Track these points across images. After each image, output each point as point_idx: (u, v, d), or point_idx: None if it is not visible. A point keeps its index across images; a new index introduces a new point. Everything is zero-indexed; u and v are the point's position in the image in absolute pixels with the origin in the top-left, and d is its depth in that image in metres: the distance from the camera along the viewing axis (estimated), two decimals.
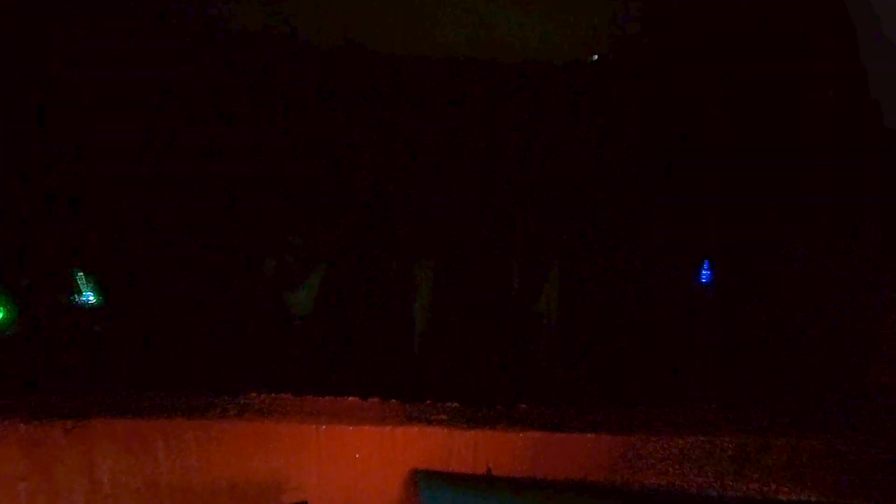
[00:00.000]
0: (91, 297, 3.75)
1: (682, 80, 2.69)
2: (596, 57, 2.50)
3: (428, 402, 2.52)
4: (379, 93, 2.81)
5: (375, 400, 2.51)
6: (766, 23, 2.70)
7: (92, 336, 3.60)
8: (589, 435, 2.33)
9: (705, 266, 3.61)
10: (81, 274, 3.72)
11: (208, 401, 2.43)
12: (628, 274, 2.92)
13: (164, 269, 3.24)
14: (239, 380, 2.79)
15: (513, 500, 2.27)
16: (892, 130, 2.85)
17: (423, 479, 2.28)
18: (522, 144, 2.76)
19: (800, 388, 2.72)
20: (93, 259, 3.59)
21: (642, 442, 2.34)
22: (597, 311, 2.95)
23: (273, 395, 2.52)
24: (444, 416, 2.40)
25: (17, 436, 2.35)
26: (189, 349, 3.07)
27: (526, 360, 2.96)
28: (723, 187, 3.02)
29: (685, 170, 2.90)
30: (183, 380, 2.87)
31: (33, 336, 3.46)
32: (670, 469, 2.34)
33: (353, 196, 3.10)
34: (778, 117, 2.84)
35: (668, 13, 2.57)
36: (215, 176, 3.17)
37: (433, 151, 2.87)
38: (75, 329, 3.60)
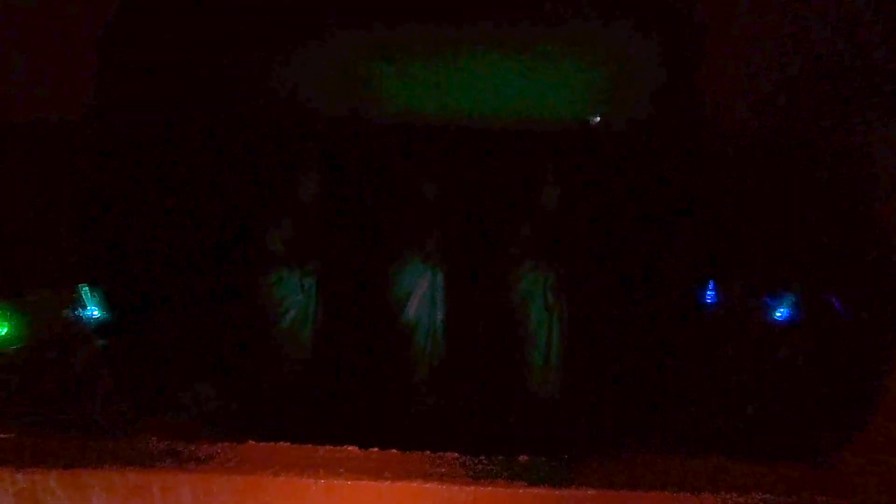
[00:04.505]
0: (95, 312, 3.77)
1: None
2: (598, 118, 2.52)
3: (427, 452, 2.48)
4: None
5: (374, 450, 2.47)
6: None
7: (96, 353, 3.63)
8: (590, 491, 2.29)
9: (710, 286, 3.60)
10: (86, 288, 3.75)
11: (207, 451, 2.39)
12: (631, 320, 2.90)
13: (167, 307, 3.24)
14: (238, 422, 2.78)
15: None
16: None
17: None
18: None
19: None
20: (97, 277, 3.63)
21: (645, 497, 2.30)
22: (600, 356, 2.92)
23: (271, 444, 2.48)
24: (443, 469, 2.36)
25: (14, 484, 2.34)
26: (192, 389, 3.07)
27: (527, 407, 2.94)
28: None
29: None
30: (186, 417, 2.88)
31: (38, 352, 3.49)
32: None
33: (359, 245, 3.12)
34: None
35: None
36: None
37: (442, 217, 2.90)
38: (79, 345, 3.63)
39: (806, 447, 2.58)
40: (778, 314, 3.49)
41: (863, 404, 2.76)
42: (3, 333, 3.46)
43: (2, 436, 2.55)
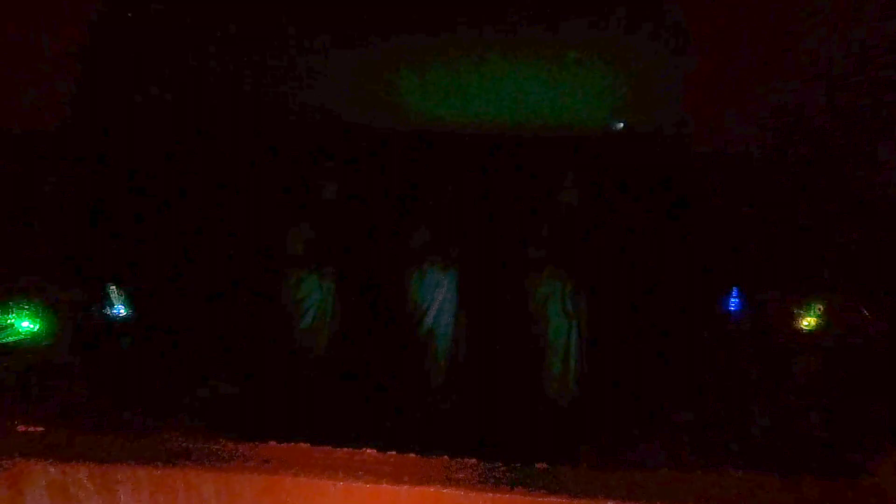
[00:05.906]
0: (122, 311, 3.88)
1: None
2: (621, 124, 2.53)
3: (445, 457, 2.48)
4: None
5: (393, 453, 2.49)
6: None
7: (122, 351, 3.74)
8: (609, 502, 2.27)
9: (734, 293, 3.54)
10: (114, 288, 3.86)
11: (230, 450, 2.44)
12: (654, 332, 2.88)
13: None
14: (260, 422, 2.84)
15: None
16: None
17: None
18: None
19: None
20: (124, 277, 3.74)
21: None
22: (620, 364, 2.90)
23: (291, 444, 2.52)
24: (461, 475, 2.37)
25: (46, 476, 2.42)
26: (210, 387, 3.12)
27: (546, 414, 2.93)
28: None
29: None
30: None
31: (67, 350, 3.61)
32: None
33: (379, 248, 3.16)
34: None
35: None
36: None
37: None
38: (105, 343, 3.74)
39: (829, 461, 2.52)
40: (803, 323, 3.43)
41: (888, 417, 2.69)
42: (33, 331, 3.59)
43: (35, 430, 2.65)
